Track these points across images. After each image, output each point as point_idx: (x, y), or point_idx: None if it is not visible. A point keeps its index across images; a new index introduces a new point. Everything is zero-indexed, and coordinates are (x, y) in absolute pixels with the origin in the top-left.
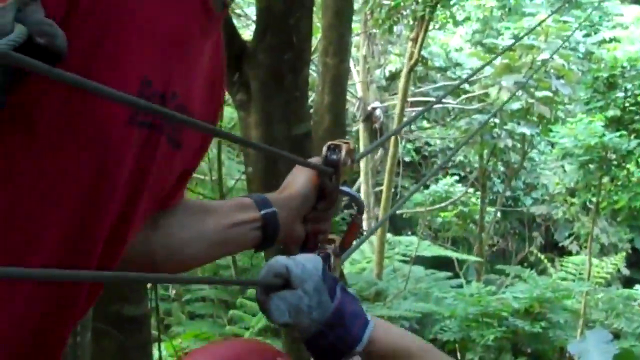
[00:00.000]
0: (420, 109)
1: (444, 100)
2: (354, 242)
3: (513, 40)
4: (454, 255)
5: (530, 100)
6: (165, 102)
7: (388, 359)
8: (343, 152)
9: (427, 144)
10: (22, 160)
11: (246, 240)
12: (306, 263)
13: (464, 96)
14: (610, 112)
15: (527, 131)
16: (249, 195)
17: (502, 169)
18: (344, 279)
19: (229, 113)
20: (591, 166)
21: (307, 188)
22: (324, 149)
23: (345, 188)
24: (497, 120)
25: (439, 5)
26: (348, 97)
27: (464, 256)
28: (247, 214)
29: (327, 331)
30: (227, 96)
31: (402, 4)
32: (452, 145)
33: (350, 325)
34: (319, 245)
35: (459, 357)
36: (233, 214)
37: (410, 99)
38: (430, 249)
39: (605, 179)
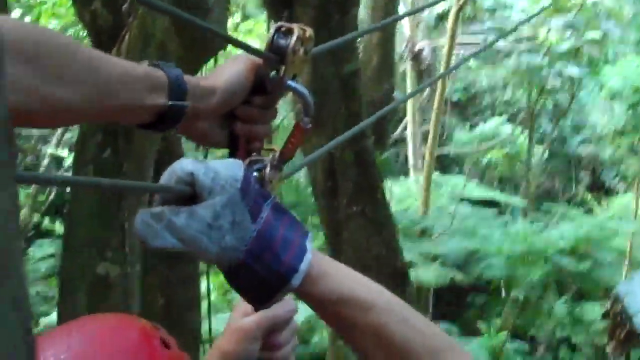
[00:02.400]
0: (467, 49)
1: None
2: (304, 157)
3: None
4: (500, 197)
5: (580, 41)
6: None
7: (338, 307)
8: (294, 38)
9: (475, 82)
10: None
11: (134, 117)
12: (220, 169)
13: (512, 36)
14: None
15: (576, 72)
16: (165, 67)
17: (550, 109)
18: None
19: None
20: None
21: (236, 82)
22: (271, 30)
23: (292, 83)
24: (546, 61)
25: None
26: (396, 36)
27: (510, 199)
28: (151, 96)
29: (250, 261)
30: None
31: None
32: (499, 84)
33: (282, 253)
34: (251, 153)
35: (504, 294)
36: (143, 92)
37: (458, 39)
38: (477, 190)
39: None
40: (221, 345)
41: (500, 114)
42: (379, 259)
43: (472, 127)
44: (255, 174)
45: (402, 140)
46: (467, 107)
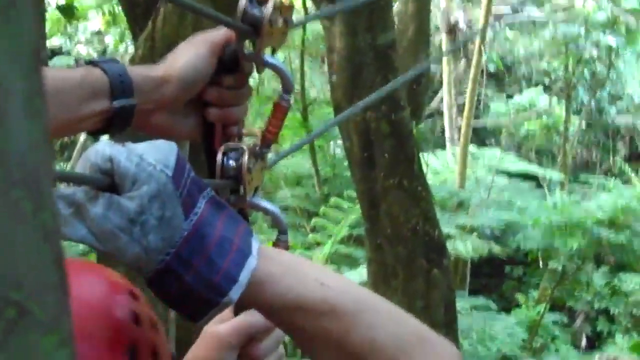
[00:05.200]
0: (504, 21)
1: (528, 10)
2: (290, 143)
3: None
4: (537, 170)
5: (617, 10)
6: None
7: (286, 315)
8: (270, 5)
9: (511, 52)
10: None
11: (81, 129)
12: (148, 153)
13: (548, 6)
14: None
15: (613, 42)
16: (105, 65)
17: (587, 79)
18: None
19: (313, 26)
20: None
21: (193, 66)
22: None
23: (269, 58)
24: (582, 31)
25: None
26: (432, 7)
27: (547, 172)
28: (90, 104)
29: (177, 267)
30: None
31: None
32: (536, 54)
33: (217, 258)
34: (230, 140)
35: (542, 266)
36: (80, 102)
37: (494, 12)
38: (514, 163)
39: None
40: (195, 352)
41: (537, 85)
42: (416, 231)
43: (509, 97)
44: (232, 163)
45: (438, 112)
46: (503, 78)
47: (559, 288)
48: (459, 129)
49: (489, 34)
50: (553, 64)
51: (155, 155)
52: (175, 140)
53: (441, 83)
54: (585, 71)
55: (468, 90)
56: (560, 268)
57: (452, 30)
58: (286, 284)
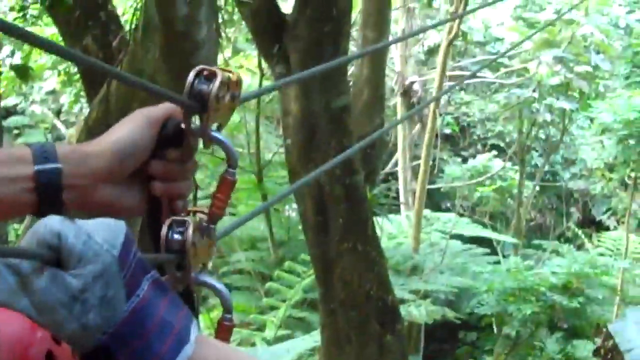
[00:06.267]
0: (459, 85)
1: (483, 74)
2: (239, 214)
3: (554, 14)
4: (491, 235)
5: (569, 75)
6: None
7: None
8: (217, 82)
9: (466, 114)
10: None
11: (18, 205)
12: (96, 231)
13: (503, 70)
14: None
15: (566, 106)
16: (31, 144)
17: (541, 143)
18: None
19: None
20: (630, 141)
21: (129, 140)
22: (191, 74)
23: (215, 134)
24: (536, 95)
25: None
26: (387, 70)
27: (501, 237)
28: (16, 168)
29: (114, 348)
30: (266, 69)
31: None
32: (490, 117)
33: (155, 342)
34: (176, 214)
35: (496, 331)
36: (8, 171)
37: (449, 74)
38: (468, 227)
39: None
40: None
41: (492, 148)
42: (370, 296)
43: (464, 160)
44: (177, 236)
45: (392, 176)
46: (458, 142)
47: (513, 353)
48: (414, 193)
49: (444, 96)
50: (508, 127)
51: (103, 234)
52: (123, 216)
53: (396, 146)
54: (540, 135)
55: (423, 154)
56: (514, 333)
57: (407, 93)
58: None
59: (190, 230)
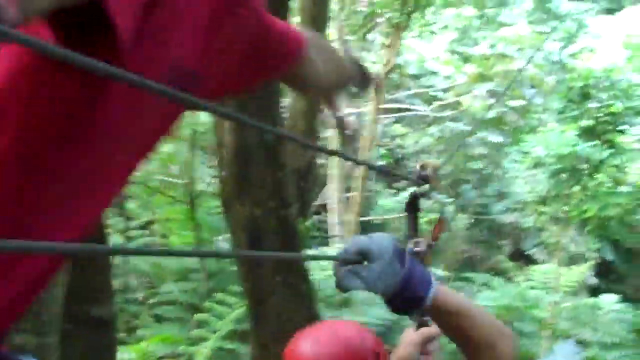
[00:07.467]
0: (393, 115)
1: (417, 107)
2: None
3: (488, 48)
4: None
5: (503, 109)
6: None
7: (452, 313)
8: (430, 169)
9: (401, 147)
10: (79, 162)
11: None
12: (382, 241)
13: (437, 103)
14: (584, 122)
15: (498, 139)
16: None
17: (474, 176)
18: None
19: (204, 117)
20: (563, 175)
21: None
22: (417, 166)
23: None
24: (469, 128)
25: (414, 14)
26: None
27: (432, 269)
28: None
29: (400, 292)
30: None
31: (378, 11)
32: (425, 149)
33: (417, 287)
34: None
35: None
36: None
37: (383, 106)
38: None
39: (576, 189)
40: (398, 352)
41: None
42: (301, 328)
43: (397, 192)
44: (417, 248)
45: (324, 208)
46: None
47: None
48: (346, 225)
49: (379, 129)
50: (441, 160)
51: (386, 241)
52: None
53: (330, 179)
54: (472, 168)
55: (356, 186)
56: None
57: (341, 125)
58: (454, 299)
59: (422, 247)
